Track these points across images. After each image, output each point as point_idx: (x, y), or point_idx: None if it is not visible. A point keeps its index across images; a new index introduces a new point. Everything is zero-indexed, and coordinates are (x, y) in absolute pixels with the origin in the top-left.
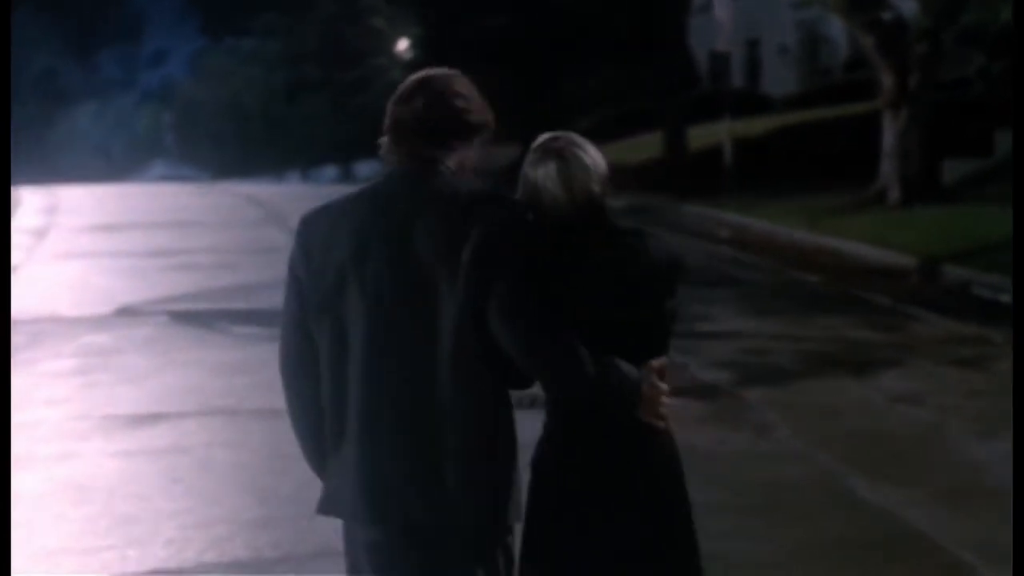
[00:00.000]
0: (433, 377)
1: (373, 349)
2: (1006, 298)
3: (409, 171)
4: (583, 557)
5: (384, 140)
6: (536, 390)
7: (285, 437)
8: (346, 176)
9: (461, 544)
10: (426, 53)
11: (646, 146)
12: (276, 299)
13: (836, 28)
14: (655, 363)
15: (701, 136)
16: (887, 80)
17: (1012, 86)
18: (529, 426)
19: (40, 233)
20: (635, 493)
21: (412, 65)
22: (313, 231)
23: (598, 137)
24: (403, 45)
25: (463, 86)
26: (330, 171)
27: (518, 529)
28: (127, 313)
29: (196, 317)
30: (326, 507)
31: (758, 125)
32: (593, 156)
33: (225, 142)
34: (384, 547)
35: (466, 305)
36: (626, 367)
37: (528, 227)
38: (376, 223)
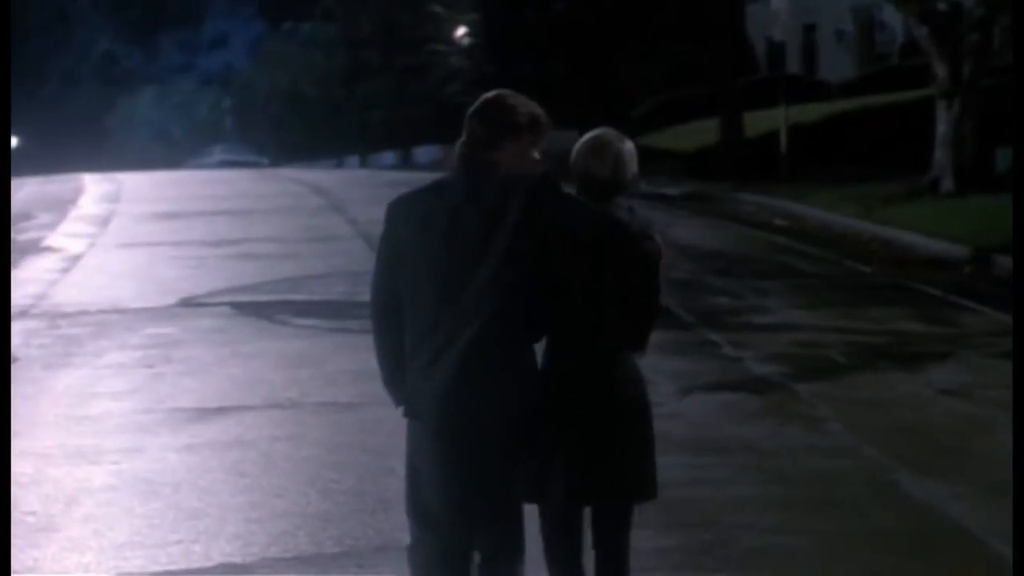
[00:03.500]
0: (479, 319)
1: (438, 302)
2: None
3: (464, 168)
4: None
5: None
6: None
7: (347, 430)
8: (405, 162)
9: (501, 433)
10: (484, 39)
11: (702, 132)
12: (338, 290)
13: (892, 14)
14: None
15: (757, 122)
16: (941, 70)
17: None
18: None
19: (103, 221)
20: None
21: (470, 51)
22: (395, 213)
23: (655, 123)
24: (461, 31)
25: (510, 96)
26: (389, 157)
27: None
28: (190, 304)
29: (259, 308)
30: (408, 411)
31: (814, 111)
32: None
33: (285, 127)
34: (439, 447)
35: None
36: None
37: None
38: (436, 208)
